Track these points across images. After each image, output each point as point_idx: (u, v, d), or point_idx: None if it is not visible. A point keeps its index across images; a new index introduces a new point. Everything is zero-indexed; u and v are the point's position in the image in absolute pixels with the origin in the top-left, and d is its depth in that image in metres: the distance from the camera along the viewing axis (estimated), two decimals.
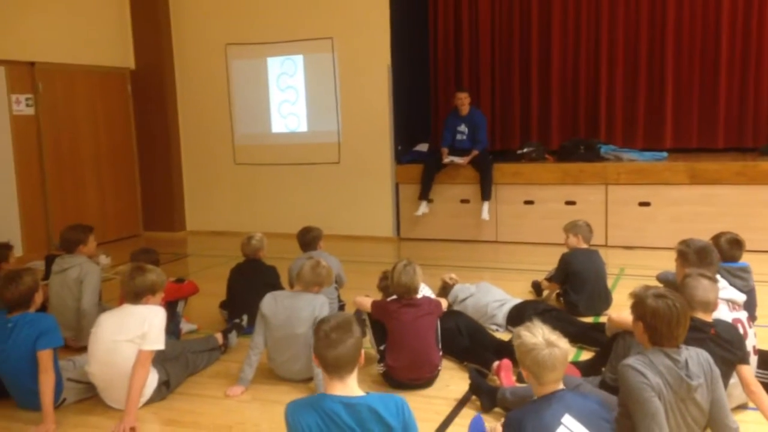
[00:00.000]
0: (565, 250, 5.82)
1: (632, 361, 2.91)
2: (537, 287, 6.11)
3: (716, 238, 4.59)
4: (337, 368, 2.66)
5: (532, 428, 2.69)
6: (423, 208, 8.79)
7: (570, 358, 2.88)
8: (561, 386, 2.80)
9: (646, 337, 2.99)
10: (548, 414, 2.71)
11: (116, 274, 6.94)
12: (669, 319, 2.90)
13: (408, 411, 2.71)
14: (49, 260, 5.82)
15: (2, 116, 8.27)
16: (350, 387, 2.69)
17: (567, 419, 2.69)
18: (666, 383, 2.85)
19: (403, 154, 9.20)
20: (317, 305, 4.32)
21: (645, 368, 2.85)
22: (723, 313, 3.69)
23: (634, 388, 2.84)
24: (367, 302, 4.47)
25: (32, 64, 8.57)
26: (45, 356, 3.85)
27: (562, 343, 2.77)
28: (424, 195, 8.78)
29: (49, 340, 3.90)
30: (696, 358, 2.97)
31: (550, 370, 2.72)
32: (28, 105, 8.56)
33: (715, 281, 3.60)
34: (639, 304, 3.02)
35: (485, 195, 8.50)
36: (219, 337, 4.93)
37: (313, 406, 2.66)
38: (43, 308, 4.65)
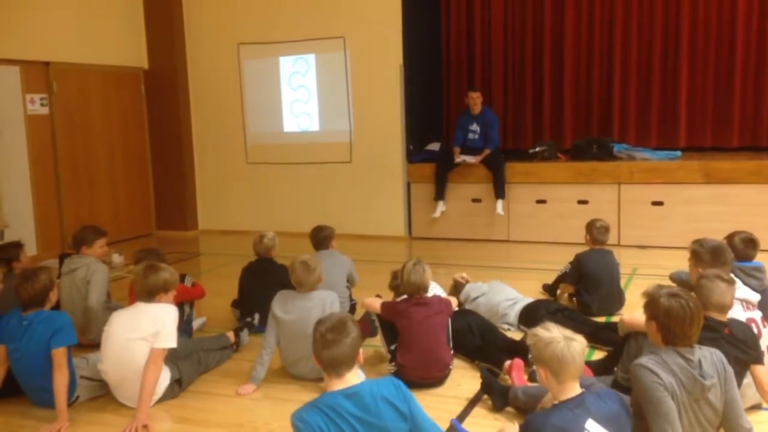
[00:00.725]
0: (578, 249, 5.81)
1: (645, 360, 2.89)
2: (548, 289, 6.08)
3: (730, 238, 4.55)
4: (334, 367, 2.74)
5: None
6: (440, 207, 8.77)
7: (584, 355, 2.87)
8: (579, 387, 2.76)
9: (660, 337, 2.97)
10: (570, 419, 2.67)
11: (129, 273, 6.97)
12: (682, 318, 2.88)
13: (404, 388, 2.80)
14: (63, 259, 5.85)
15: (17, 116, 8.33)
16: (349, 381, 2.75)
17: (590, 424, 2.66)
18: (679, 383, 2.83)
19: (414, 153, 9.19)
20: (327, 304, 4.33)
21: (658, 368, 2.84)
22: (737, 313, 3.66)
23: (647, 388, 2.82)
24: (375, 303, 4.45)
25: (47, 64, 8.63)
26: (59, 354, 3.88)
27: (579, 337, 2.76)
28: (440, 195, 8.76)
29: (63, 337, 3.93)
30: (710, 357, 2.95)
31: (570, 362, 2.69)
32: (42, 105, 8.62)
33: (732, 283, 3.56)
34: (652, 303, 3.00)
35: (499, 194, 8.48)
36: (231, 335, 4.95)
37: (316, 405, 2.70)
38: (57, 306, 4.67)
